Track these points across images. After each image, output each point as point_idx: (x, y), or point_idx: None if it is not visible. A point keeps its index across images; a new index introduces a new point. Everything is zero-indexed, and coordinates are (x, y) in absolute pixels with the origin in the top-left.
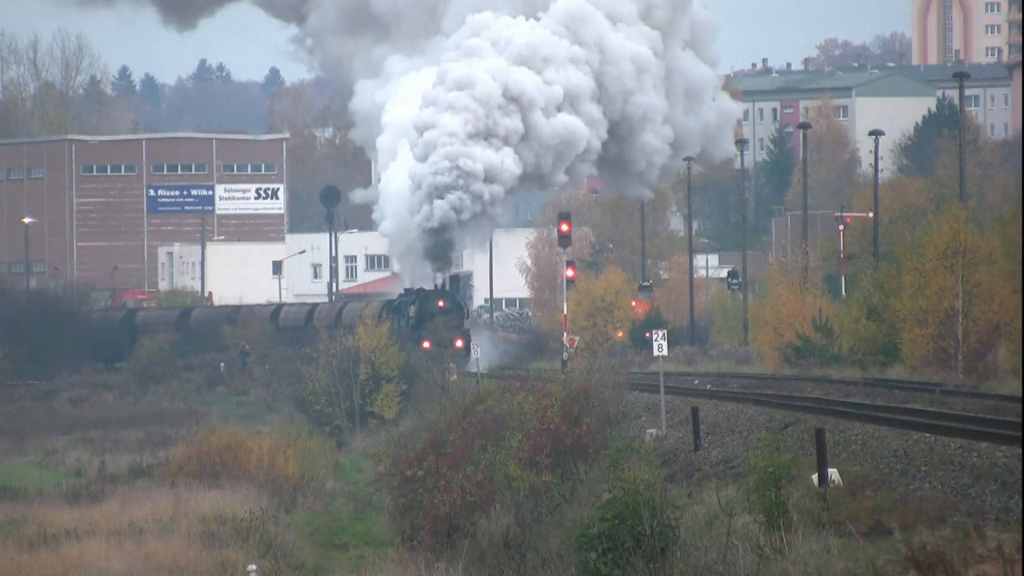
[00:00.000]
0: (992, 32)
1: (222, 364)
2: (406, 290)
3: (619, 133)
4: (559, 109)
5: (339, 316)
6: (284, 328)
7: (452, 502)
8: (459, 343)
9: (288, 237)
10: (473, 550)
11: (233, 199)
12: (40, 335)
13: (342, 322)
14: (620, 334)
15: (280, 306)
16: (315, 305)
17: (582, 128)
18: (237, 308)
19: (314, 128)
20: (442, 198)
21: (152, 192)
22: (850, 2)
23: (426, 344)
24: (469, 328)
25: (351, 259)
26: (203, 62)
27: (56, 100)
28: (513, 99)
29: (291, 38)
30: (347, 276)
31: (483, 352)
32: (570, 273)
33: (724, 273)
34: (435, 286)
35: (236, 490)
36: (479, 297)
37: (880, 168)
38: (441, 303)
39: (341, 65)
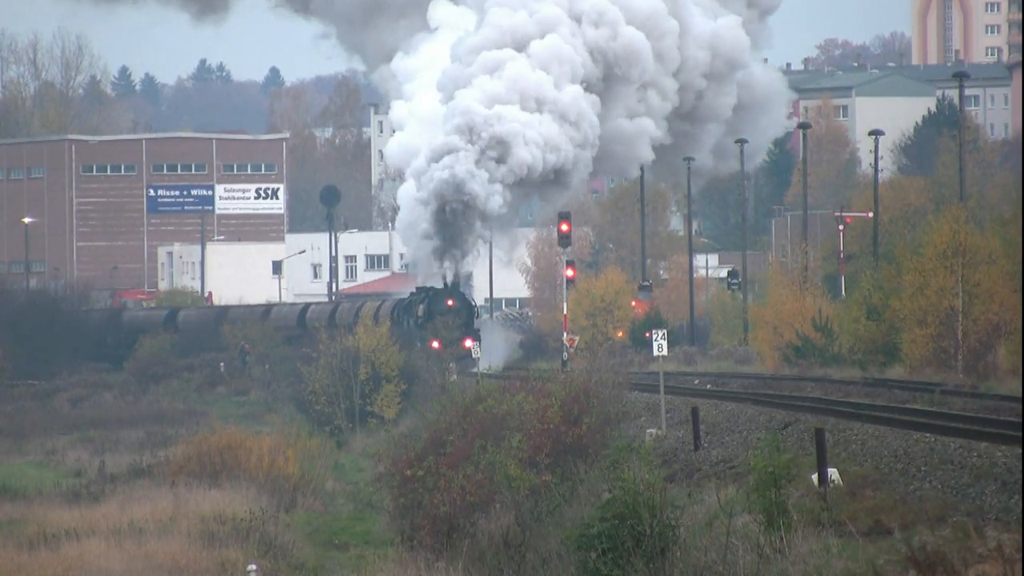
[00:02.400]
0: (992, 32)
1: (222, 364)
2: (418, 288)
3: (667, 147)
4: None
5: (357, 314)
6: (310, 327)
7: (452, 502)
8: (468, 343)
9: (288, 237)
10: (473, 550)
11: (233, 199)
12: (41, 335)
13: (360, 320)
14: (620, 334)
15: (308, 305)
16: (338, 304)
17: (650, 133)
18: (270, 307)
19: (314, 128)
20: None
21: (152, 192)
22: (850, 2)
23: (435, 344)
24: (479, 328)
25: (351, 259)
26: (203, 62)
27: (56, 100)
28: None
29: (319, 34)
30: (347, 276)
31: (488, 351)
32: (570, 273)
33: (724, 273)
34: (444, 284)
35: (236, 490)
36: (479, 297)
37: (880, 168)
38: (450, 302)
39: (367, 51)
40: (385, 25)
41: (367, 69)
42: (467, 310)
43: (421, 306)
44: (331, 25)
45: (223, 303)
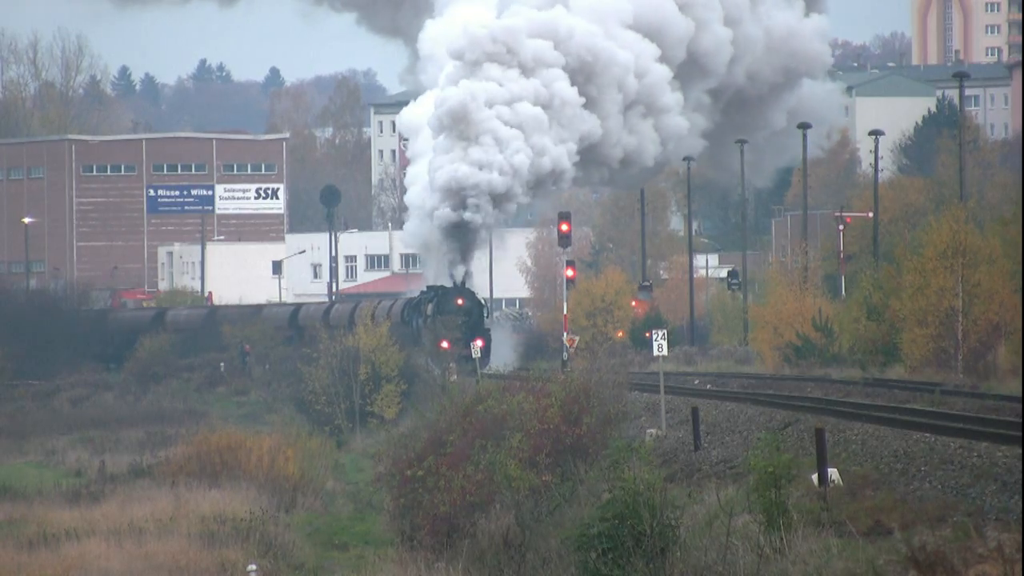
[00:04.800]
0: (992, 32)
1: (222, 364)
2: (429, 287)
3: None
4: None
5: (372, 314)
6: (332, 325)
7: (452, 502)
8: (479, 342)
9: (288, 237)
10: (473, 550)
11: (233, 199)
12: (42, 335)
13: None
14: (620, 334)
15: (332, 304)
16: (357, 303)
17: (694, 134)
18: (298, 307)
19: (314, 128)
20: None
21: (152, 192)
22: (850, 2)
23: (444, 344)
24: (490, 328)
25: (351, 259)
26: (203, 62)
27: (56, 100)
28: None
29: (353, 21)
30: (347, 276)
31: (496, 352)
32: (570, 273)
33: (724, 273)
34: (454, 283)
35: (236, 490)
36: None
37: (880, 168)
38: (460, 301)
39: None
40: (406, 8)
41: (408, 51)
42: (477, 309)
43: (430, 305)
44: (353, 11)
45: (223, 303)
